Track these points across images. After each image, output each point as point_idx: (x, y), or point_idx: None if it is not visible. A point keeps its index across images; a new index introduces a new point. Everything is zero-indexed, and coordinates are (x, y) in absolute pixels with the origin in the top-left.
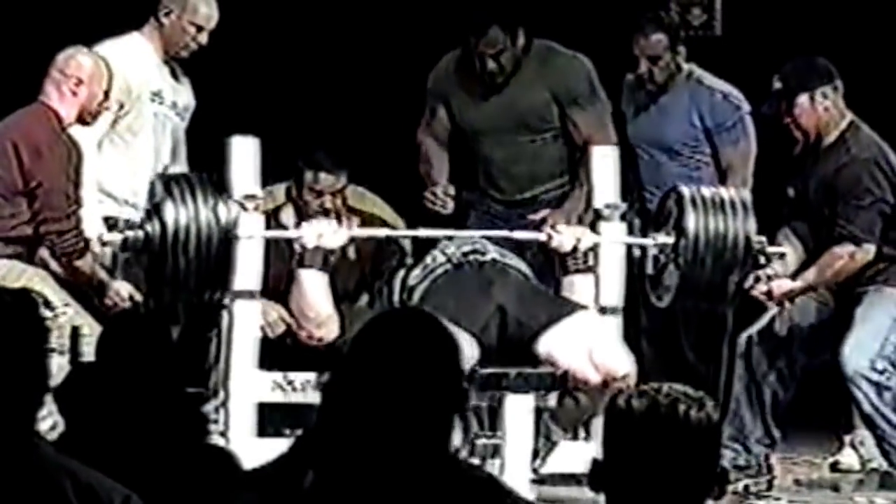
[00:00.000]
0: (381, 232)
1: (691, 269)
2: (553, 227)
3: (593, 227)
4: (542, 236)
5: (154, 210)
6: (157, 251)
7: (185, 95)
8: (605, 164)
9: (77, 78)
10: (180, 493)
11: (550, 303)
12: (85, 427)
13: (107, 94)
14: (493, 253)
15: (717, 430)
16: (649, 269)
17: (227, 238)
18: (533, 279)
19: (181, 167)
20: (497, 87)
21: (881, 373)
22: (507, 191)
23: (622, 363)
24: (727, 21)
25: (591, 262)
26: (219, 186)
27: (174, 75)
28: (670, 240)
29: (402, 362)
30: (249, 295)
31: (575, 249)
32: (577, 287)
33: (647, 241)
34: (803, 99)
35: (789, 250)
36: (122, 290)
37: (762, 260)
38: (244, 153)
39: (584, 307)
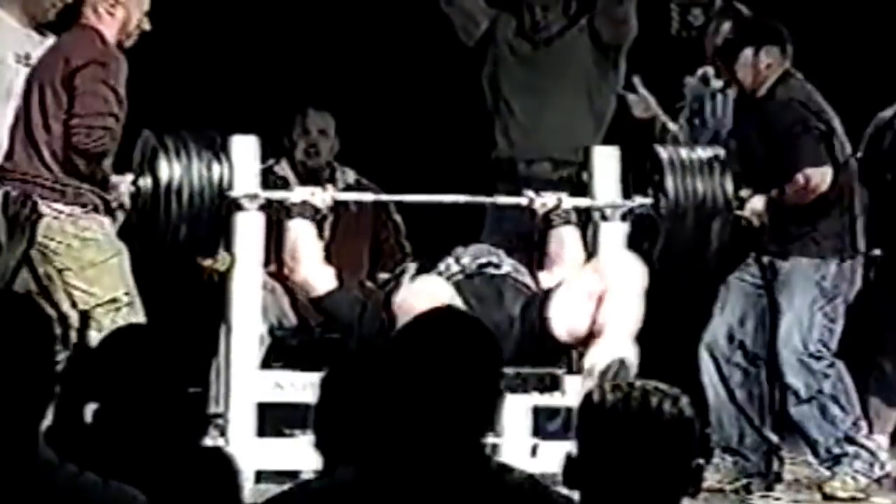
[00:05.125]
0: (368, 196)
1: (672, 230)
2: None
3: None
4: (524, 200)
5: (147, 165)
6: (150, 206)
7: None
8: (606, 164)
9: None
10: (178, 494)
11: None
12: (83, 420)
13: (146, 15)
14: (507, 267)
15: (691, 426)
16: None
17: (221, 196)
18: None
19: None
20: (540, 44)
21: (818, 359)
22: (527, 149)
23: (631, 264)
24: None
25: (573, 219)
26: (214, 144)
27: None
28: (649, 201)
29: (444, 360)
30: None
31: (556, 207)
32: (566, 237)
33: (628, 203)
34: (748, 52)
35: None
36: (122, 186)
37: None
38: (244, 153)
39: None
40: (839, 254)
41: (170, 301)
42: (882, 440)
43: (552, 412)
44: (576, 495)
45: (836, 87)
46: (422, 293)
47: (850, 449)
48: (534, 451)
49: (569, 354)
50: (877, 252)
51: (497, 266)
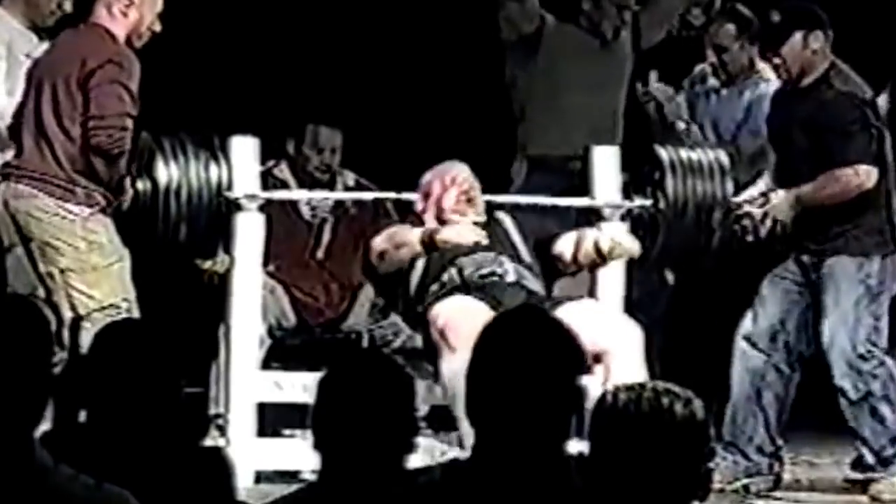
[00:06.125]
0: (368, 195)
1: (671, 231)
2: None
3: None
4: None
5: (145, 167)
6: (148, 207)
7: None
8: (607, 164)
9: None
10: (173, 494)
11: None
12: (79, 420)
13: (158, 17)
14: (512, 275)
15: (703, 428)
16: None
17: (219, 197)
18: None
19: None
20: (602, 41)
21: (866, 359)
22: (570, 143)
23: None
24: None
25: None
26: (212, 145)
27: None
28: (649, 202)
29: (526, 360)
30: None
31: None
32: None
33: (627, 203)
34: (798, 37)
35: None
36: (125, 184)
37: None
38: (244, 153)
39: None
40: (882, 250)
41: (169, 302)
42: None
43: None
44: None
45: None
46: (459, 307)
47: None
48: None
49: None
50: None
51: (500, 276)
